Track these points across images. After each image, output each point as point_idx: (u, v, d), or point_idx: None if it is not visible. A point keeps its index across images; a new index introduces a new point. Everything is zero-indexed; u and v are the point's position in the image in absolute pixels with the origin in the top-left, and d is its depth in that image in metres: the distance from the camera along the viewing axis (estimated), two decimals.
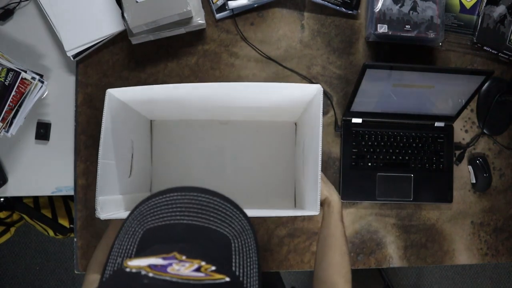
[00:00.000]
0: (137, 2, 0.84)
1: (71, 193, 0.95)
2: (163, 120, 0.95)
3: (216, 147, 0.96)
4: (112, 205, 0.76)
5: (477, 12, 0.97)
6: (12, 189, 0.97)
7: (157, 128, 0.95)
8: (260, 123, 0.96)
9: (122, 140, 0.81)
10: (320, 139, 0.69)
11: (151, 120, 0.95)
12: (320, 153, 0.69)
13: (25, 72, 0.89)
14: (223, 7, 0.94)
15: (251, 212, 0.72)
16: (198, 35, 0.95)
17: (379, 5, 0.92)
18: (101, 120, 0.74)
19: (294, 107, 0.85)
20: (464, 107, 0.93)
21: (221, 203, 0.41)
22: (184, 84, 0.73)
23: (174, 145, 0.95)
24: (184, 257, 0.34)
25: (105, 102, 0.73)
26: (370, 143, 0.95)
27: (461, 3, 0.97)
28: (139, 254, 0.38)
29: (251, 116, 0.93)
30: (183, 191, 0.41)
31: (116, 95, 0.75)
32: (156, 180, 0.95)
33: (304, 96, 0.77)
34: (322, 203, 0.78)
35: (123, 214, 0.74)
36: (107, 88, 0.97)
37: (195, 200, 0.41)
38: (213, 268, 0.34)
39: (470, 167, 1.00)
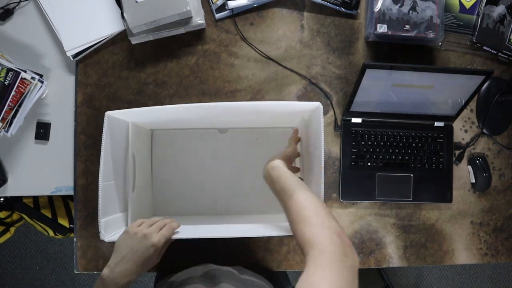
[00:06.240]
0: (137, 2, 0.84)
1: (71, 193, 0.95)
2: (163, 129, 0.95)
3: (216, 155, 0.96)
4: (114, 225, 0.77)
5: (476, 12, 0.97)
6: (12, 189, 0.97)
7: (157, 138, 0.95)
8: (259, 131, 0.96)
9: (123, 156, 0.81)
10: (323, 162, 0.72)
11: (151, 130, 0.95)
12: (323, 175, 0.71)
13: (25, 72, 0.89)
14: (222, 7, 0.94)
15: (254, 231, 0.73)
16: (197, 35, 0.95)
17: (379, 5, 0.92)
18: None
19: (294, 116, 0.85)
20: (463, 107, 0.93)
21: None
22: (185, 105, 0.73)
23: (174, 154, 0.96)
24: None
25: (104, 125, 0.72)
26: (369, 143, 0.95)
27: (460, 3, 0.97)
28: None
29: (250, 124, 0.94)
30: None
31: (115, 116, 0.75)
32: (157, 191, 0.95)
33: (304, 107, 0.77)
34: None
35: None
36: (107, 88, 0.97)
37: None
38: None
39: (469, 167, 1.00)
